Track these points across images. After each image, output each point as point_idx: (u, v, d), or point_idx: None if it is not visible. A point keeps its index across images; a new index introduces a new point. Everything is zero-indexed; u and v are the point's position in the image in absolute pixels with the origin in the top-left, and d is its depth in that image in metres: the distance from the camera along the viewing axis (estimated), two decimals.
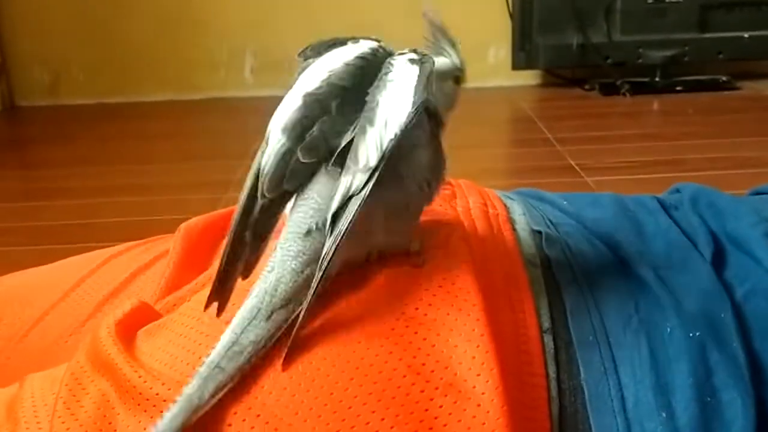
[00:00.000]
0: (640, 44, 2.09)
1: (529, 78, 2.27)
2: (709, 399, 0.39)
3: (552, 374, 0.40)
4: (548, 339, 0.41)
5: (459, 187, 0.55)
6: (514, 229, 0.50)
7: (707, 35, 2.10)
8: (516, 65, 2.15)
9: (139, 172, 1.60)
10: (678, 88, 2.07)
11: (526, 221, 0.52)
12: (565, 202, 0.55)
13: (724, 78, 2.10)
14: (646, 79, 2.10)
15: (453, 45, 0.45)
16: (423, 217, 0.47)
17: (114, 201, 1.41)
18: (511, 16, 2.16)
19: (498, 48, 2.23)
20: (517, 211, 0.54)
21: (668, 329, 0.41)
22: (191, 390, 0.35)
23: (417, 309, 0.38)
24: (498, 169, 1.60)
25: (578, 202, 0.57)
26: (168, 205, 1.33)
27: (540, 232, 0.50)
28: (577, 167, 1.47)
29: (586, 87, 2.15)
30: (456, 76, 0.45)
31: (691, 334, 0.40)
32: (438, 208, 0.50)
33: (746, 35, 2.09)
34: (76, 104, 2.27)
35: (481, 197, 0.54)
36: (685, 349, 0.40)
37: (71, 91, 2.27)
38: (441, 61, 0.43)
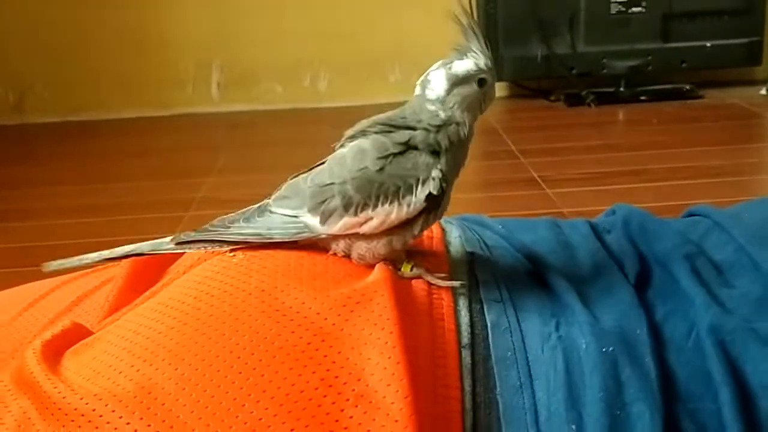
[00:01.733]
0: (604, 55, 2.11)
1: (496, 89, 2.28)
2: (618, 412, 0.40)
3: (468, 388, 0.41)
4: (466, 354, 0.42)
5: None
6: (447, 251, 0.51)
7: (670, 45, 2.12)
8: None
9: (101, 191, 1.59)
10: (642, 98, 2.09)
11: (460, 243, 0.53)
12: (500, 227, 0.57)
13: (687, 87, 2.13)
14: (610, 90, 2.12)
15: (481, 46, 0.46)
16: None
17: (75, 222, 1.39)
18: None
19: None
20: (454, 233, 0.54)
21: (584, 345, 0.42)
22: None
23: (334, 324, 0.40)
24: (464, 182, 1.61)
25: (514, 226, 0.58)
26: (126, 226, 1.32)
27: (472, 254, 0.51)
28: (539, 179, 1.48)
29: (552, 98, 2.16)
30: (480, 78, 0.46)
31: (604, 349, 0.41)
32: None
33: (708, 44, 2.12)
34: (41, 122, 2.25)
35: None
36: (599, 364, 0.41)
37: (37, 110, 2.26)
38: (462, 64, 0.46)
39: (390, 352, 0.38)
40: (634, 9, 2.09)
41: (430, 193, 0.45)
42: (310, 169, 0.49)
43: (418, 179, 0.45)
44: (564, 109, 2.10)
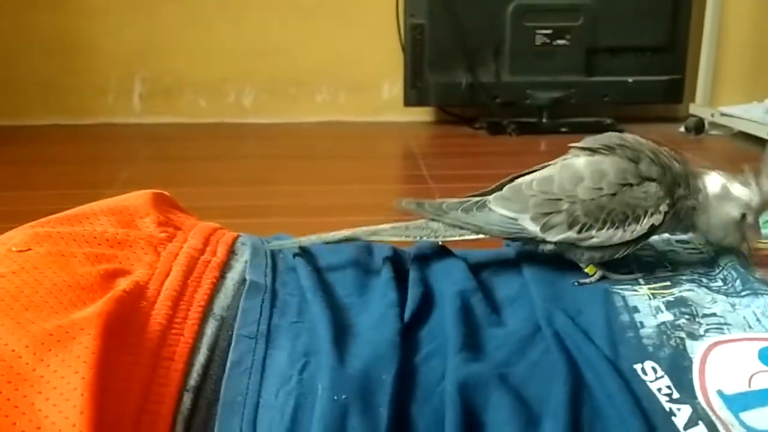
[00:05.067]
0: (528, 85, 2.13)
1: (422, 114, 2.29)
2: None
3: None
4: (187, 398, 0.39)
5: (185, 231, 0.53)
6: (222, 277, 0.49)
7: (593, 79, 2.15)
8: (408, 102, 2.16)
9: (9, 199, 1.54)
10: (563, 130, 2.11)
11: (242, 269, 0.51)
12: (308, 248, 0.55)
13: (608, 120, 2.15)
14: (533, 120, 2.14)
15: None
16: (105, 266, 0.45)
17: None
18: (405, 52, 2.17)
19: (392, 84, 2.24)
20: (242, 258, 0.52)
21: (320, 390, 0.40)
22: None
23: (27, 365, 0.36)
24: (364, 204, 1.59)
25: (322, 248, 0.56)
26: None
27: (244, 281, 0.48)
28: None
29: (476, 126, 2.17)
30: (742, 213, 0.49)
31: (336, 397, 0.39)
32: (135, 254, 0.48)
33: (630, 80, 2.15)
34: None
35: (204, 242, 0.52)
36: (326, 413, 0.38)
37: None
38: (737, 189, 0.49)
39: (76, 400, 0.35)
40: (559, 41, 2.11)
41: (653, 224, 0.48)
42: (532, 171, 0.52)
43: (647, 211, 0.48)
44: (486, 137, 2.10)
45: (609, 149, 0.50)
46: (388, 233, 0.53)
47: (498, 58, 2.12)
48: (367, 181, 1.74)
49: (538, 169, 0.53)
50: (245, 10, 2.18)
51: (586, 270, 0.50)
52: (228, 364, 0.41)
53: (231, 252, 0.53)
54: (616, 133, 0.52)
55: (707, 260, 0.52)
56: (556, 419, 0.38)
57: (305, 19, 2.20)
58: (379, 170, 1.86)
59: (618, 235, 0.49)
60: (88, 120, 2.20)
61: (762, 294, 0.46)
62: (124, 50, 2.18)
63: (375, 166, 1.88)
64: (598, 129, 2.12)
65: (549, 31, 2.11)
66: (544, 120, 2.14)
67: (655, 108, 2.25)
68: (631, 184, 0.48)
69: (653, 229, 0.49)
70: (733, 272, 0.49)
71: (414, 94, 2.15)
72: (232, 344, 0.43)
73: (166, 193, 0.60)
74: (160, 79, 2.20)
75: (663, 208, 0.49)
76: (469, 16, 2.09)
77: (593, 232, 0.49)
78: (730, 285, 0.48)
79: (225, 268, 0.50)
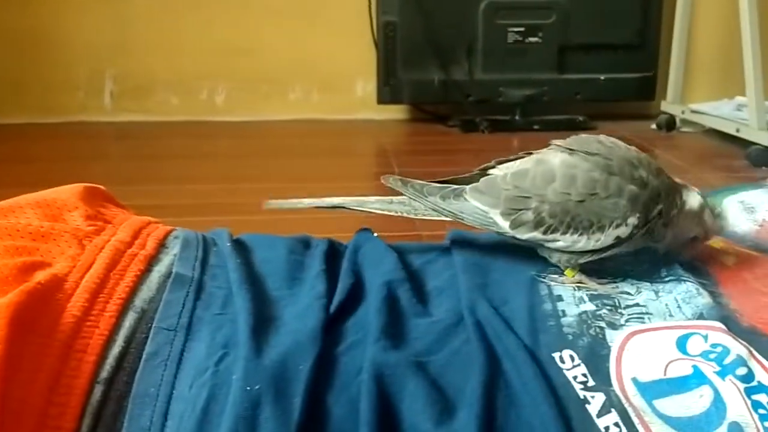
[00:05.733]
0: (500, 83, 2.13)
1: (396, 113, 2.28)
2: None
3: (85, 429, 0.38)
4: (98, 390, 0.39)
5: (115, 225, 0.53)
6: (148, 270, 0.48)
7: (566, 76, 2.16)
8: (381, 99, 2.16)
9: None
10: (536, 127, 2.11)
11: (170, 262, 0.50)
12: (243, 241, 0.55)
13: (580, 118, 2.16)
14: (506, 118, 2.14)
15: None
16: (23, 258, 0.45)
17: None
18: (378, 50, 2.17)
19: (366, 82, 2.24)
20: (172, 252, 0.52)
21: (233, 381, 0.39)
22: None
23: None
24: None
25: (256, 242, 0.55)
26: None
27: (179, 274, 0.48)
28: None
29: (450, 123, 2.17)
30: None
31: (249, 388, 0.38)
32: (58, 246, 0.47)
33: (602, 77, 2.16)
34: None
35: (133, 235, 0.52)
36: (237, 404, 0.38)
37: None
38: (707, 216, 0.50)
39: None
40: (531, 39, 2.12)
41: (618, 237, 0.47)
42: (510, 160, 0.52)
43: (612, 222, 0.47)
44: (459, 134, 2.11)
45: (589, 155, 0.49)
46: (373, 205, 0.55)
47: (470, 55, 2.12)
48: (339, 179, 1.74)
49: (521, 157, 0.52)
50: (218, 8, 2.17)
51: (565, 273, 0.49)
52: (144, 356, 0.41)
53: (162, 246, 0.52)
54: (606, 139, 0.51)
55: (639, 250, 0.52)
56: (470, 407, 0.38)
57: (278, 16, 2.19)
58: (351, 168, 1.86)
59: (582, 242, 0.48)
60: (59, 118, 2.18)
61: (685, 280, 0.46)
62: (95, 48, 2.17)
63: (347, 164, 1.87)
64: (571, 126, 2.13)
65: (521, 29, 2.11)
66: (516, 117, 2.14)
67: (628, 105, 2.26)
68: (598, 195, 0.47)
69: (621, 241, 0.48)
70: (658, 257, 0.49)
71: (387, 92, 2.15)
72: (150, 336, 0.42)
73: (101, 186, 0.59)
74: (131, 76, 2.19)
75: (632, 221, 0.47)
76: (442, 13, 2.09)
77: (557, 235, 0.48)
78: (655, 270, 0.48)
79: (153, 261, 0.50)
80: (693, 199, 0.50)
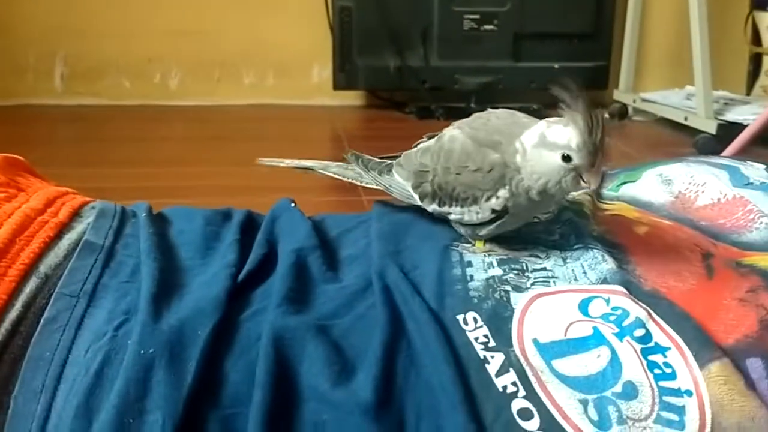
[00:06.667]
0: (456, 70, 2.14)
1: (353, 99, 2.28)
2: (131, 420, 0.36)
3: None
4: None
5: (29, 193, 0.52)
6: (58, 237, 0.48)
7: (520, 64, 2.17)
8: (337, 85, 2.15)
9: None
10: None
11: (83, 230, 0.49)
12: (165, 214, 0.55)
13: (535, 106, 2.17)
14: (461, 105, 2.15)
15: (583, 124, 0.43)
16: None
17: None
18: (333, 35, 2.16)
19: (322, 67, 2.23)
20: (86, 221, 0.51)
21: (129, 345, 0.39)
22: None
23: None
24: (282, 186, 1.59)
25: (175, 214, 0.55)
26: None
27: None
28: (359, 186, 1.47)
29: (406, 110, 2.17)
30: (563, 154, 0.44)
31: (143, 351, 0.38)
32: None
33: (556, 66, 2.17)
34: None
35: (46, 204, 0.51)
36: (129, 368, 0.38)
37: None
38: (557, 132, 0.44)
39: None
40: (486, 26, 2.13)
41: (492, 209, 0.47)
42: (433, 137, 0.53)
43: (483, 194, 0.47)
44: (415, 121, 2.11)
45: (471, 129, 0.49)
46: (334, 170, 0.58)
47: (426, 42, 2.12)
48: None
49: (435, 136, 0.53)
50: None
51: (475, 244, 0.49)
52: (42, 321, 0.41)
53: (76, 215, 0.51)
54: (501, 112, 0.51)
55: (551, 217, 0.52)
56: (369, 367, 0.38)
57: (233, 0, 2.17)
58: (306, 153, 1.84)
59: (466, 213, 0.48)
60: (8, 101, 2.14)
61: (592, 248, 0.46)
62: (45, 28, 2.13)
63: (300, 149, 1.86)
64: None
65: (477, 16, 2.12)
66: (472, 105, 2.15)
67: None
68: (469, 167, 0.47)
69: (500, 213, 0.47)
70: (570, 227, 0.50)
71: (343, 78, 2.14)
72: (51, 302, 0.42)
73: (19, 157, 0.58)
74: (82, 59, 2.15)
75: (502, 193, 0.46)
76: None
77: (447, 208, 0.49)
78: (565, 240, 0.49)
79: (64, 229, 0.49)
80: (531, 132, 0.46)
